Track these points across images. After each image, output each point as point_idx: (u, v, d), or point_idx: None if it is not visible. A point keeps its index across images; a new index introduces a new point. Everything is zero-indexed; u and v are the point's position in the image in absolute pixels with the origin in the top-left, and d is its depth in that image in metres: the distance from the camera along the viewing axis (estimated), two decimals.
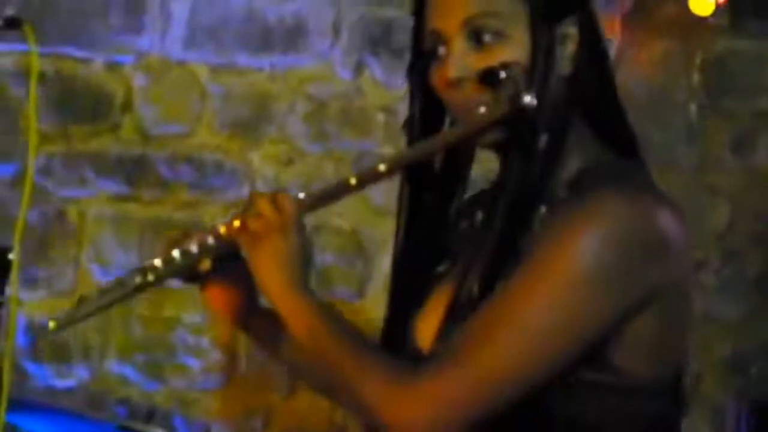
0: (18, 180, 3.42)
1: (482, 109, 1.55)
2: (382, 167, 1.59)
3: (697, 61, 3.99)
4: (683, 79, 3.99)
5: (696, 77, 3.99)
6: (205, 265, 1.67)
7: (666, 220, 1.54)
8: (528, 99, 1.53)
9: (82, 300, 1.70)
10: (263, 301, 1.68)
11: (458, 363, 1.50)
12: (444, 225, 1.68)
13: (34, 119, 2.41)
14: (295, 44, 3.68)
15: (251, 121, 3.64)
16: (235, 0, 3.64)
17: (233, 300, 1.73)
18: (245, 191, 3.58)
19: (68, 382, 3.51)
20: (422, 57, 1.62)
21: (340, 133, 3.67)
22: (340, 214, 3.65)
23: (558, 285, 1.49)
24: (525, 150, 1.56)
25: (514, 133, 1.56)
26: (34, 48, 2.48)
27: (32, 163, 2.32)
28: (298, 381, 1.70)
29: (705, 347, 3.97)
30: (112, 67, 3.56)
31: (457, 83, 1.57)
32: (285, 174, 3.60)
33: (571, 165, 1.58)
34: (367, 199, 3.65)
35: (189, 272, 1.68)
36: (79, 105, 3.54)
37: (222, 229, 1.64)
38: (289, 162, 3.62)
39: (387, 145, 3.63)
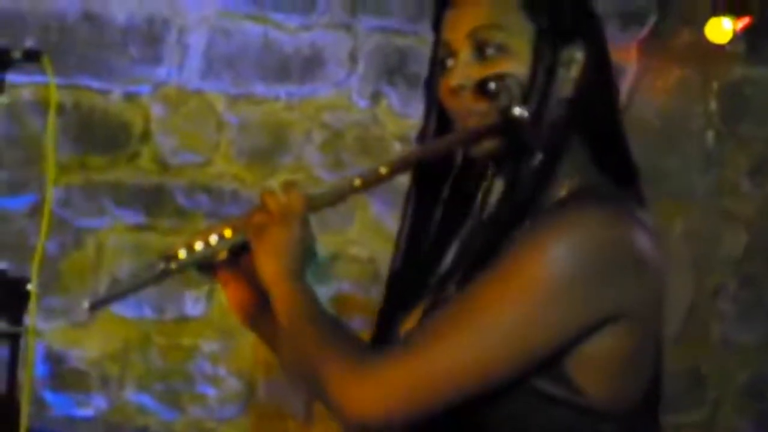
0: (37, 210, 3.45)
1: (477, 119, 1.61)
2: (383, 170, 1.66)
3: (714, 88, 4.00)
4: (700, 106, 4.00)
5: (713, 104, 4.01)
6: (222, 255, 1.72)
7: (641, 243, 1.55)
8: (518, 111, 1.58)
9: (114, 282, 1.79)
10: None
11: (410, 354, 1.53)
12: (448, 234, 1.71)
13: (52, 150, 2.45)
14: (311, 73, 3.72)
15: (268, 150, 3.67)
16: (251, 30, 3.68)
17: (244, 295, 1.77)
18: None
19: (87, 412, 3.53)
20: (432, 68, 1.70)
21: (357, 161, 3.69)
22: (358, 243, 3.67)
23: (521, 290, 1.51)
24: (516, 164, 1.61)
25: (509, 146, 1.61)
26: (52, 79, 2.52)
27: (50, 193, 2.35)
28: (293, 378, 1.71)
29: (723, 373, 3.96)
30: (130, 97, 3.60)
31: (457, 91, 1.62)
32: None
33: (564, 185, 1.61)
34: (384, 228, 3.67)
35: (207, 262, 1.73)
36: (98, 135, 3.57)
37: (236, 222, 1.70)
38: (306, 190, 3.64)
39: (402, 176, 3.64)
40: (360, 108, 3.74)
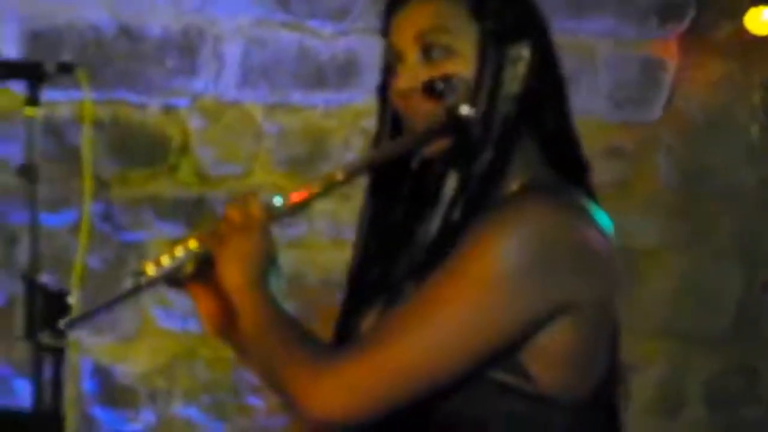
0: (79, 226, 3.48)
1: (424, 119, 1.66)
2: (339, 175, 1.69)
3: (757, 81, 3.99)
4: (743, 100, 3.99)
5: (756, 97, 3.99)
6: (188, 268, 1.73)
7: (589, 236, 1.60)
8: (465, 110, 1.63)
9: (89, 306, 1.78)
10: None
11: (369, 351, 1.58)
12: (406, 236, 1.75)
13: (89, 164, 2.48)
14: (347, 80, 3.74)
15: (308, 158, 3.70)
16: (286, 39, 3.71)
17: (213, 306, 1.77)
18: (303, 229, 3.63)
19: (135, 427, 3.56)
20: (384, 73, 1.75)
21: None
22: None
23: (473, 284, 1.57)
24: (466, 162, 1.66)
25: (459, 145, 1.66)
26: (87, 92, 2.55)
27: (87, 207, 2.38)
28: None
29: None
30: (168, 110, 3.64)
31: (406, 94, 1.67)
32: (343, 209, 3.63)
33: (516, 181, 1.66)
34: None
35: (175, 276, 1.74)
36: (137, 149, 3.62)
37: (200, 234, 1.72)
38: (347, 197, 3.64)
39: None
40: None
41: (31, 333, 2.73)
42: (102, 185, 3.51)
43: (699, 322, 3.92)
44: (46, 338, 2.71)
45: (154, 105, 3.62)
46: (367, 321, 1.73)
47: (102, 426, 3.53)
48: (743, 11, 3.82)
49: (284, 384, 1.62)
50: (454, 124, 1.64)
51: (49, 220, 3.49)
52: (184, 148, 3.64)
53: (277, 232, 1.73)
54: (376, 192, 1.78)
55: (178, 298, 3.56)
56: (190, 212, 3.62)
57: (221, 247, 1.68)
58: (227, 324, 1.77)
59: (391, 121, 1.75)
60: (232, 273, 1.67)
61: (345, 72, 3.73)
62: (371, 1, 3.72)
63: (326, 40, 3.72)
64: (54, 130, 3.51)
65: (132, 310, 3.58)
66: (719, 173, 3.91)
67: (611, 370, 1.67)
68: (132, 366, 3.58)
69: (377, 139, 1.76)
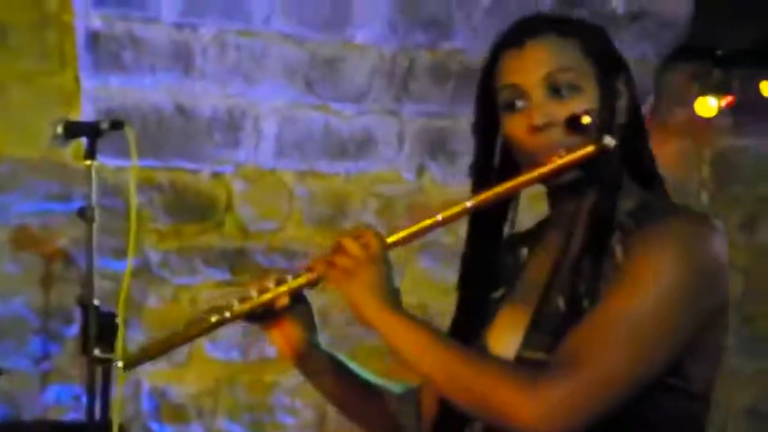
0: (140, 271, 3.90)
1: (562, 152, 1.68)
2: (468, 203, 1.71)
3: (706, 156, 4.45)
4: (695, 173, 4.45)
5: (705, 170, 4.46)
6: (283, 301, 1.73)
7: (721, 243, 1.65)
8: (609, 140, 1.66)
9: (151, 342, 1.78)
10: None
11: (578, 367, 1.58)
12: (496, 257, 1.80)
13: (134, 219, 2.59)
14: (366, 152, 4.18)
15: (332, 217, 4.13)
16: (314, 118, 4.14)
17: (297, 338, 1.79)
18: None
19: None
20: (490, 112, 1.75)
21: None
22: (408, 291, 4.11)
23: (657, 293, 1.59)
24: (603, 186, 1.68)
25: (592, 171, 1.68)
26: (132, 145, 2.65)
27: (131, 255, 2.58)
28: (339, 411, 1.88)
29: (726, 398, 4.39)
30: (216, 176, 4.06)
31: (542, 129, 1.68)
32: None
33: (627, 199, 1.70)
34: (435, 278, 4.10)
35: (263, 310, 1.74)
36: (190, 208, 4.03)
37: (304, 270, 1.72)
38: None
39: (447, 235, 4.07)
40: (408, 180, 4.23)
41: (85, 349, 2.79)
42: (160, 237, 3.95)
43: None
44: (98, 352, 2.74)
45: (205, 171, 4.05)
46: (495, 332, 1.73)
47: None
48: (693, 99, 4.29)
49: (495, 407, 1.59)
50: (600, 153, 1.66)
51: (116, 266, 3.97)
52: (229, 208, 4.06)
53: None
54: (484, 219, 1.76)
55: (223, 332, 4.06)
56: (234, 260, 4.05)
57: (348, 281, 1.65)
58: (306, 353, 1.80)
59: (501, 155, 1.75)
60: (370, 303, 1.64)
61: (363, 146, 4.18)
62: (385, 87, 4.20)
63: (347, 119, 4.16)
64: (121, 192, 3.82)
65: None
66: None
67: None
68: (183, 388, 3.97)
69: (480, 173, 1.76)
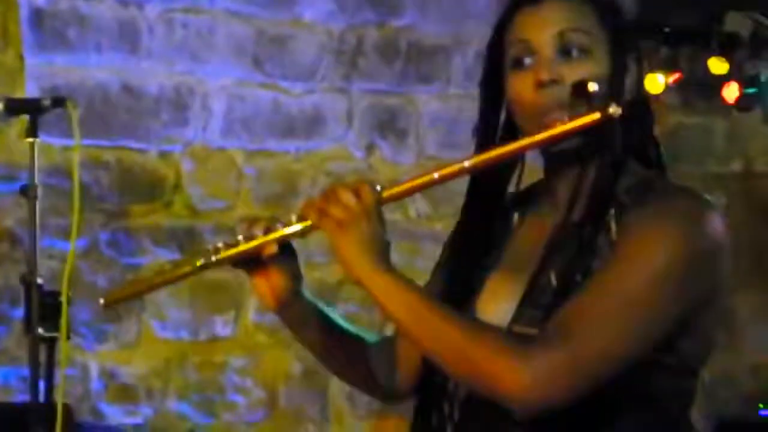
0: (89, 251, 3.91)
1: (565, 118, 1.64)
2: (466, 163, 1.67)
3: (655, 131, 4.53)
4: None
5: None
6: (270, 249, 1.70)
7: (719, 224, 1.64)
8: (614, 108, 1.62)
9: (134, 280, 1.79)
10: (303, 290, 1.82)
11: (568, 340, 1.57)
12: (489, 221, 1.77)
13: (77, 197, 2.42)
14: (315, 130, 4.20)
15: (281, 196, 4.14)
16: (263, 96, 4.15)
17: (282, 287, 1.77)
18: None
19: (136, 420, 3.98)
20: (498, 68, 1.71)
21: None
22: None
23: (651, 271, 1.58)
24: (603, 157, 1.65)
25: (595, 140, 1.64)
26: (75, 124, 2.46)
27: (74, 236, 2.45)
28: (319, 361, 1.87)
29: None
30: (164, 155, 4.06)
31: (548, 85, 1.65)
32: (311, 239, 4.13)
33: (627, 175, 1.67)
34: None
35: (251, 257, 1.71)
36: (138, 187, 4.03)
37: (295, 217, 1.69)
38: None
39: (396, 212, 4.12)
40: (357, 158, 4.25)
41: (29, 328, 2.65)
42: (109, 217, 3.94)
43: None
44: (42, 332, 2.59)
45: (152, 150, 4.04)
46: (484, 301, 1.71)
47: (108, 419, 3.94)
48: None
49: (478, 369, 1.59)
50: (604, 122, 1.62)
51: (64, 246, 3.96)
52: (177, 187, 4.06)
53: None
54: (479, 186, 1.75)
55: (172, 312, 4.08)
56: (183, 240, 4.05)
57: (342, 233, 1.62)
58: (288, 301, 1.77)
59: (504, 122, 1.72)
60: (361, 260, 1.61)
61: (312, 123, 4.18)
62: (333, 65, 4.21)
63: (296, 97, 4.17)
64: (67, 171, 3.82)
65: (132, 322, 4.00)
66: None
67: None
68: (133, 368, 3.96)
69: (483, 135, 1.73)
